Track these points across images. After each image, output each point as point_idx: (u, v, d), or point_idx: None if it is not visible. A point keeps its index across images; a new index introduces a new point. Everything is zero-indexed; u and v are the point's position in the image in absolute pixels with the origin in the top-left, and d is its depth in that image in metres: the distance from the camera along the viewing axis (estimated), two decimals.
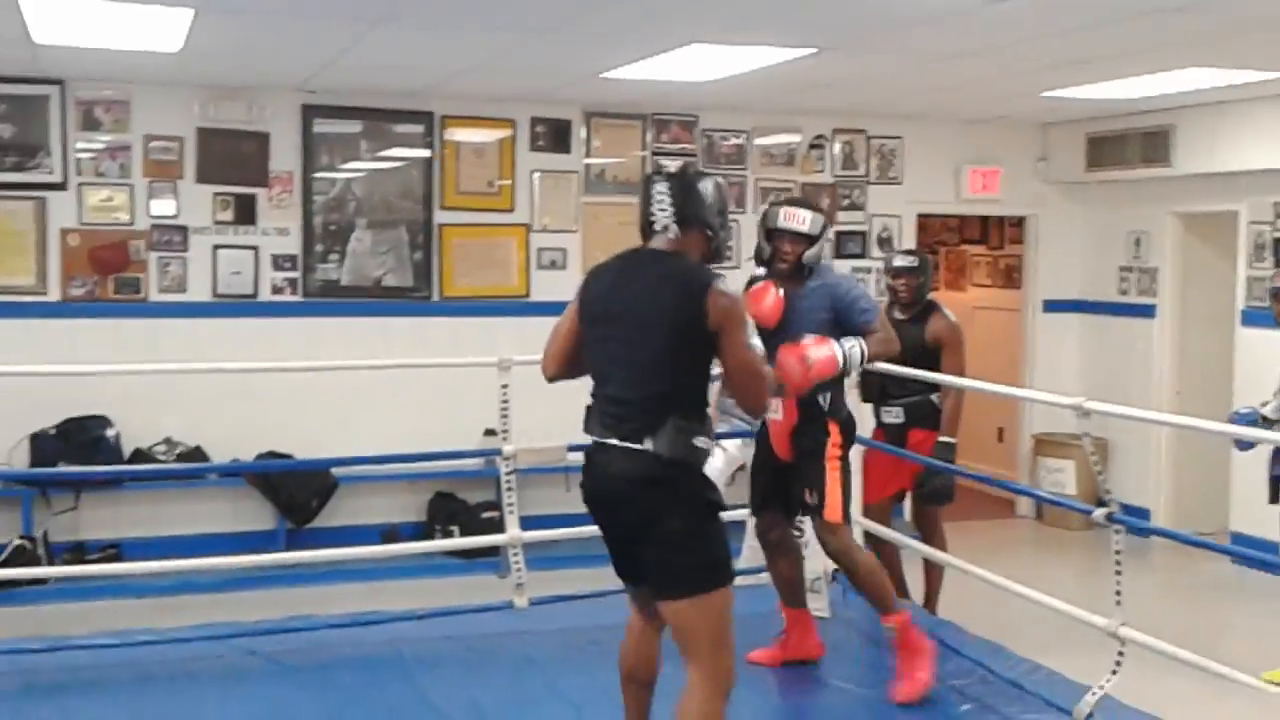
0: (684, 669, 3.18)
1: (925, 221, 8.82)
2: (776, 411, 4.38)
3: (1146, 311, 8.29)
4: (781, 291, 4.32)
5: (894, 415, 5.87)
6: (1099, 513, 4.03)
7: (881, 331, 4.33)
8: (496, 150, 7.57)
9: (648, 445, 3.08)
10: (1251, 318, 7.44)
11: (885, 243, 8.33)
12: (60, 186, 6.76)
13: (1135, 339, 8.37)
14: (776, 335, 4.21)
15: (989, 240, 9.95)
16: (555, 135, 7.67)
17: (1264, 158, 7.11)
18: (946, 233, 10.19)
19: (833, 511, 4.33)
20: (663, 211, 3.24)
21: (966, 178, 8.50)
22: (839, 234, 8.29)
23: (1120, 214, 8.50)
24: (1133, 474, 8.11)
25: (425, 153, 7.41)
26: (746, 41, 5.54)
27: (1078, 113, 8.00)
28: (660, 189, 3.26)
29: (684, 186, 3.26)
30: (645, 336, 3.13)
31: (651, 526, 3.11)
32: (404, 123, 7.37)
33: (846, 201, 8.32)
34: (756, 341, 3.31)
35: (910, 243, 8.30)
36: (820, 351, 4.11)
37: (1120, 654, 4.00)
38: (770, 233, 4.40)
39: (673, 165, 3.39)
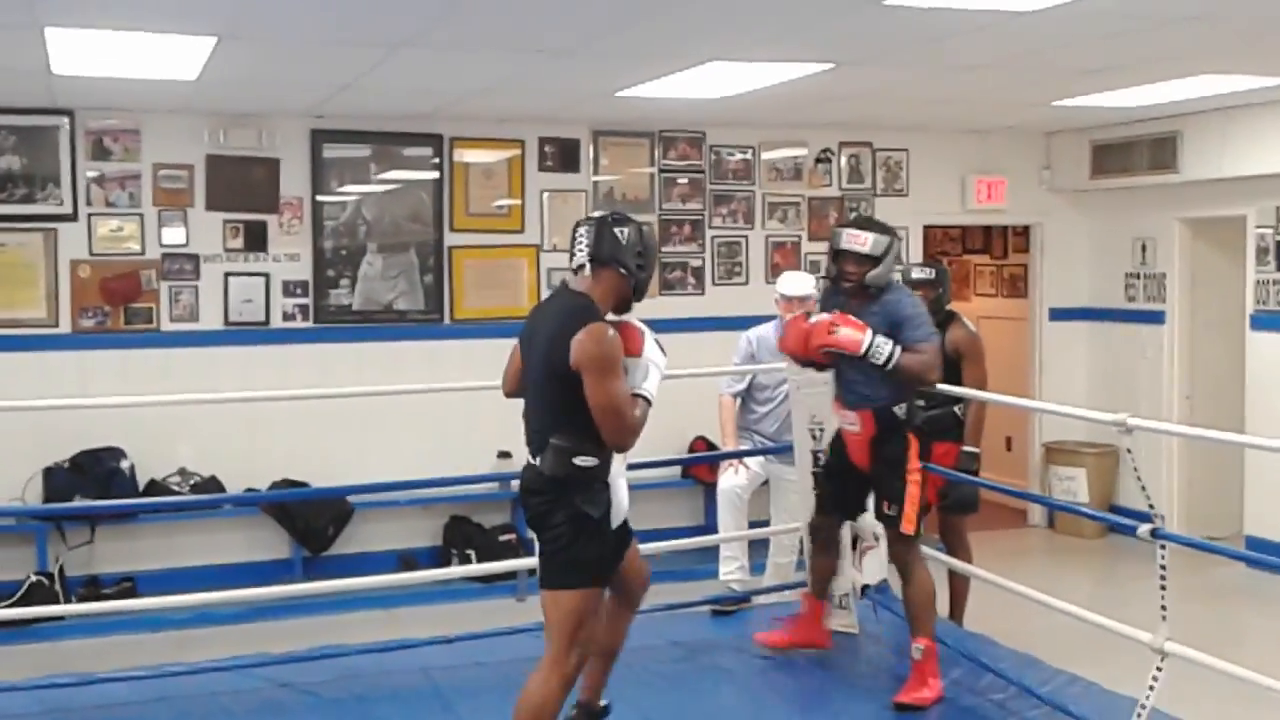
0: None
1: (929, 232, 8.82)
2: (854, 424, 4.59)
3: (1155, 318, 8.30)
4: (818, 316, 4.57)
5: None
6: (1144, 529, 4.01)
7: (926, 355, 4.45)
8: (505, 171, 7.56)
9: (538, 462, 3.54)
10: (1260, 321, 7.46)
11: None
12: (70, 218, 6.72)
13: (1144, 345, 8.38)
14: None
15: (992, 250, 9.97)
16: (563, 154, 7.66)
17: (1271, 162, 7.13)
18: (949, 243, 10.21)
19: (908, 523, 4.50)
20: (580, 253, 3.58)
21: (972, 188, 8.50)
22: None
23: (1126, 221, 8.52)
24: (1144, 479, 8.08)
25: (434, 175, 7.40)
26: (768, 58, 5.54)
27: (1083, 121, 8.01)
28: (581, 232, 3.59)
29: (600, 230, 3.57)
30: (536, 368, 3.56)
31: (539, 528, 3.57)
32: (413, 145, 7.36)
33: (854, 214, 8.32)
34: (648, 385, 3.57)
35: (917, 254, 8.30)
36: (842, 330, 4.36)
37: (1159, 668, 3.97)
38: (836, 254, 4.58)
39: (600, 212, 3.80)
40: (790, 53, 5.42)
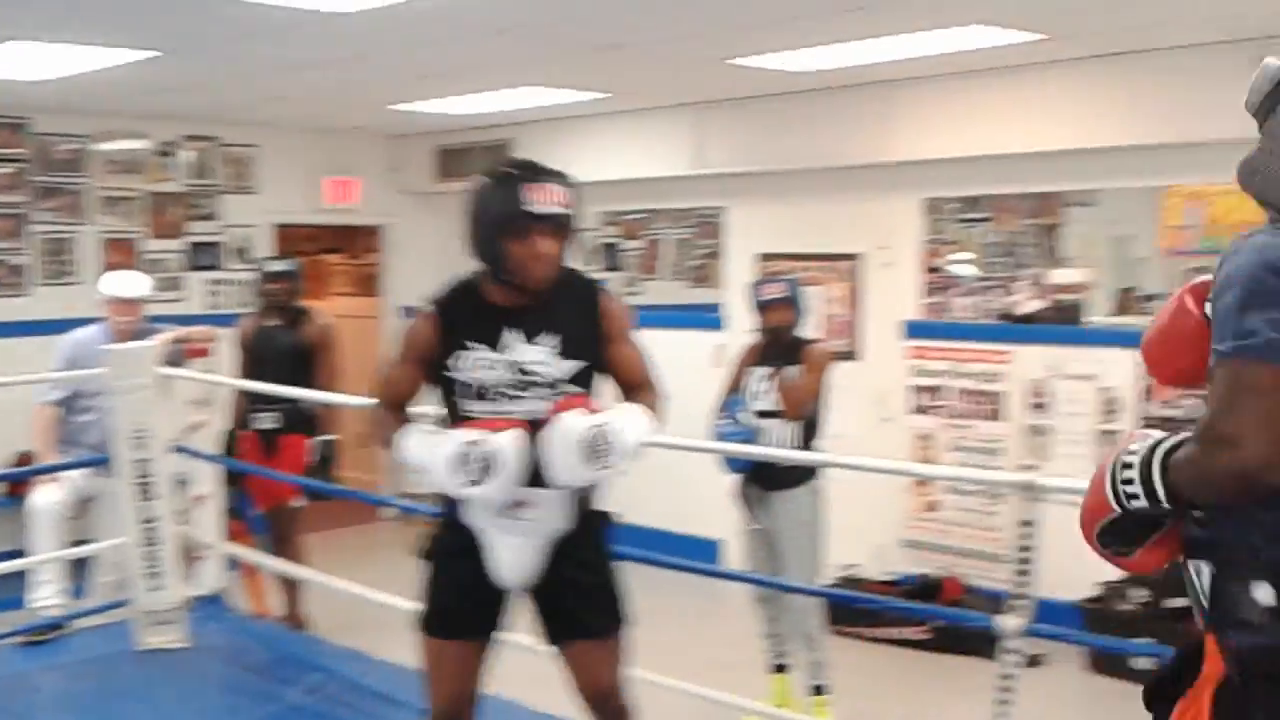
0: None
1: (285, 231, 8.72)
2: None
3: None
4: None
5: (268, 421, 5.84)
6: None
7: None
8: None
9: None
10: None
11: (242, 254, 8.14)
12: None
13: None
14: None
15: (347, 249, 10.05)
16: None
17: (589, 170, 7.74)
18: (306, 242, 10.15)
19: None
20: None
21: (324, 187, 8.52)
22: (194, 245, 7.99)
23: None
24: None
25: None
26: (74, 41, 5.16)
27: (427, 126, 8.29)
28: None
29: None
30: None
31: None
32: None
33: (200, 212, 8.03)
34: None
35: (268, 253, 8.19)
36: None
37: None
38: None
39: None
40: (101, 37, 5.11)
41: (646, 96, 7.07)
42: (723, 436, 4.81)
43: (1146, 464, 1.76)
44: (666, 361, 7.31)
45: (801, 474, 4.76)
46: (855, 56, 5.60)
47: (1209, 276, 1.84)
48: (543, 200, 2.70)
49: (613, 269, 8.22)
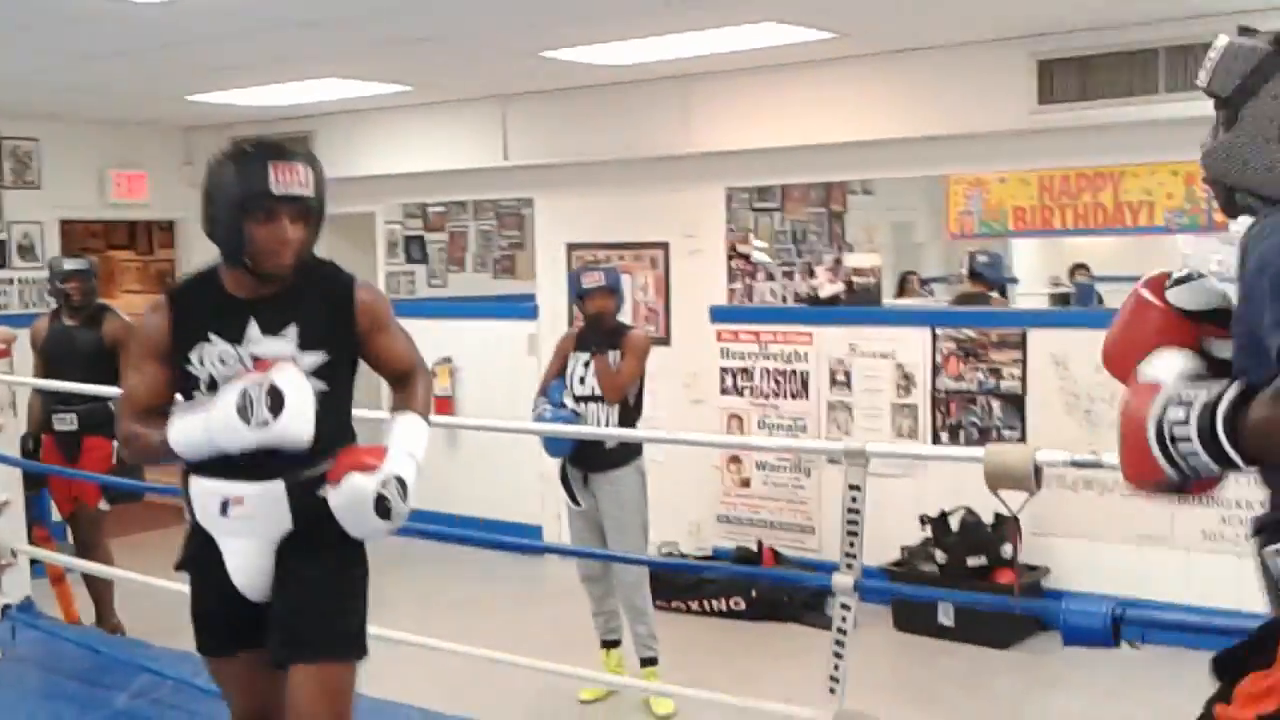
0: None
1: (69, 227, 8.38)
2: None
3: None
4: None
5: (68, 422, 5.69)
6: None
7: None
8: None
9: None
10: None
11: (27, 251, 7.80)
12: None
13: None
14: None
15: (137, 246, 9.72)
16: None
17: (394, 163, 7.78)
18: (92, 239, 9.77)
19: None
20: None
21: (111, 181, 8.23)
22: None
23: None
24: None
25: None
26: None
27: (223, 118, 8.08)
28: None
29: None
30: None
31: None
32: None
33: None
34: None
35: (55, 250, 7.87)
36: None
37: None
38: None
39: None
40: None
41: (451, 89, 7.09)
42: (543, 420, 4.92)
43: (1208, 429, 1.66)
44: (481, 350, 7.51)
45: (624, 455, 4.91)
46: (658, 51, 5.79)
47: (1162, 270, 1.92)
48: (287, 180, 2.50)
49: (417, 261, 8.22)
